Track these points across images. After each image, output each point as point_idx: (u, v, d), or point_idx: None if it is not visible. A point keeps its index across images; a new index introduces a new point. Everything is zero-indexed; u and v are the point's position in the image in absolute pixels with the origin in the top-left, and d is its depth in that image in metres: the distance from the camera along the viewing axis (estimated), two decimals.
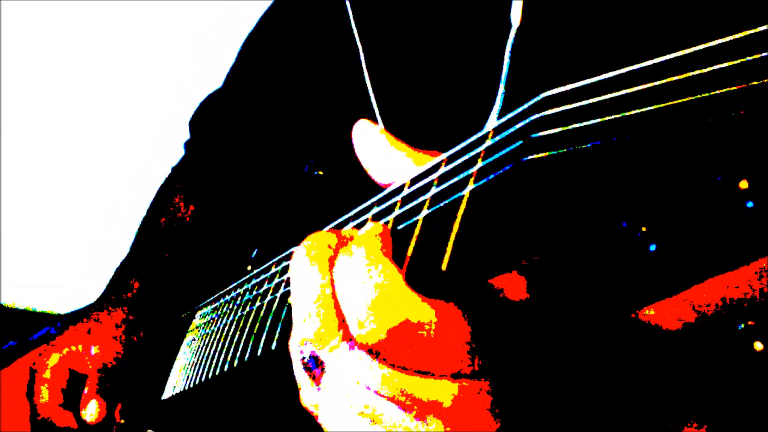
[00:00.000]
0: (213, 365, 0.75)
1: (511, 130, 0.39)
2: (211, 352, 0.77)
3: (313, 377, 0.43)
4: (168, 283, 1.05)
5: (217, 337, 0.77)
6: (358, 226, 0.51)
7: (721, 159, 0.28)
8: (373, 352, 0.39)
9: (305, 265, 0.43)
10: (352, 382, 0.40)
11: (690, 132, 0.29)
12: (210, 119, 1.14)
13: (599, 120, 0.32)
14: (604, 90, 0.33)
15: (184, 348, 0.91)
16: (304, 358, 0.43)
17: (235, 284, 0.78)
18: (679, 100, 0.30)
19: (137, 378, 0.95)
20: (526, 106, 0.38)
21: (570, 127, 0.33)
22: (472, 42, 0.69)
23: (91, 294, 1.10)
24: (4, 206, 1.81)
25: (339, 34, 0.83)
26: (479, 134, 0.42)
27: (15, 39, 1.80)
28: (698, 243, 0.29)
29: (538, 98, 0.37)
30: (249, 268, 0.79)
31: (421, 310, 0.38)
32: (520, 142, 0.36)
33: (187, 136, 1.20)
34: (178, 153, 1.23)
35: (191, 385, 0.83)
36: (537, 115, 0.36)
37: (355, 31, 0.78)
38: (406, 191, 0.47)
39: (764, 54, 0.28)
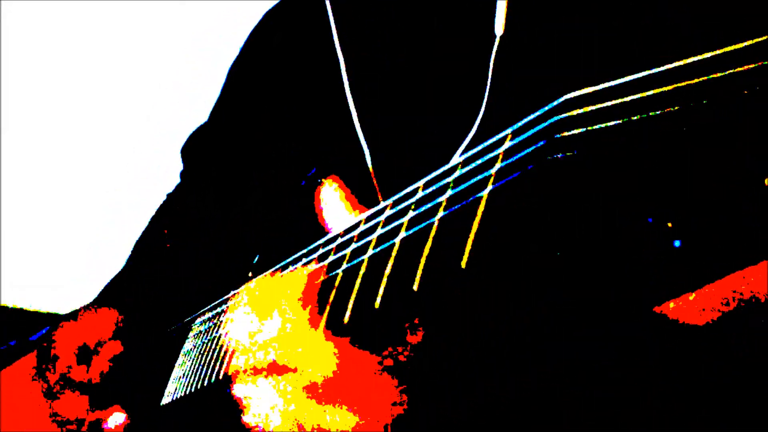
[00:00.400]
0: (205, 375, 0.76)
1: (516, 138, 0.39)
2: (204, 362, 0.78)
3: (243, 402, 0.52)
4: (167, 288, 1.05)
5: (209, 347, 0.78)
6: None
7: (745, 155, 0.28)
8: (281, 381, 0.48)
9: (240, 309, 0.53)
10: (267, 406, 0.49)
11: (713, 130, 0.29)
12: (203, 142, 1.14)
13: (622, 121, 0.33)
14: (622, 93, 0.33)
15: (182, 355, 0.91)
16: (234, 385, 0.52)
17: (229, 295, 0.78)
18: (703, 102, 0.30)
19: (137, 382, 0.95)
20: (546, 108, 0.38)
21: (593, 127, 0.34)
22: (457, 56, 0.69)
23: (91, 294, 1.10)
24: (4, 206, 1.81)
25: (325, 46, 0.83)
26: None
27: (15, 39, 1.80)
28: (722, 239, 0.29)
29: (558, 100, 0.37)
30: (250, 274, 0.80)
31: (326, 348, 0.46)
32: (543, 141, 0.37)
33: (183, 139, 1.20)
34: (178, 153, 1.23)
35: (188, 392, 0.83)
36: (557, 117, 0.37)
37: (337, 46, 0.79)
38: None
39: None
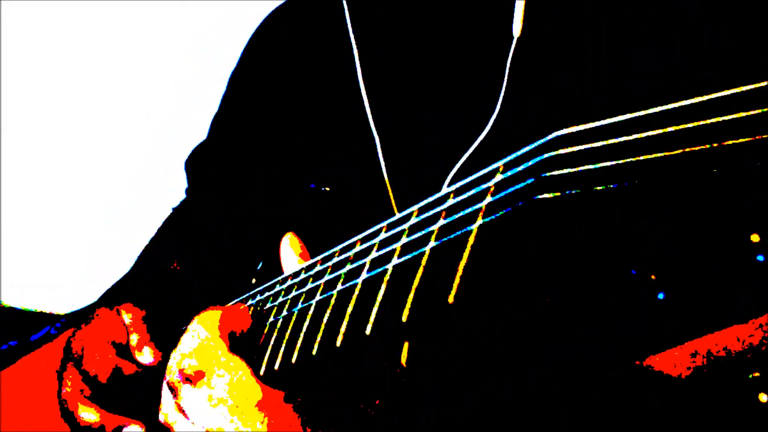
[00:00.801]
0: None
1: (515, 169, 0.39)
2: None
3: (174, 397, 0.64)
4: (171, 289, 1.04)
5: None
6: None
7: (732, 210, 0.28)
8: (197, 388, 0.60)
9: (188, 331, 0.65)
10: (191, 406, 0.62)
11: (701, 181, 0.29)
12: (207, 155, 1.13)
13: (612, 163, 0.32)
14: (617, 132, 0.33)
15: None
16: (168, 384, 0.65)
17: (236, 300, 0.79)
18: (691, 149, 0.29)
19: (141, 385, 0.95)
20: (536, 144, 0.38)
21: (582, 168, 0.34)
22: (471, 53, 0.69)
23: (90, 294, 1.10)
24: (4, 206, 1.81)
25: (337, 42, 0.83)
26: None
27: (15, 39, 1.80)
28: (708, 294, 0.29)
29: (548, 137, 0.37)
30: (253, 281, 0.80)
31: (230, 365, 0.59)
32: (531, 179, 0.37)
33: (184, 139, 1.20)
34: (178, 153, 1.23)
35: None
36: (547, 154, 0.36)
37: (353, 42, 0.79)
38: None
39: None
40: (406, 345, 0.43)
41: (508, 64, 0.65)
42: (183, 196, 1.17)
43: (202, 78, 1.67)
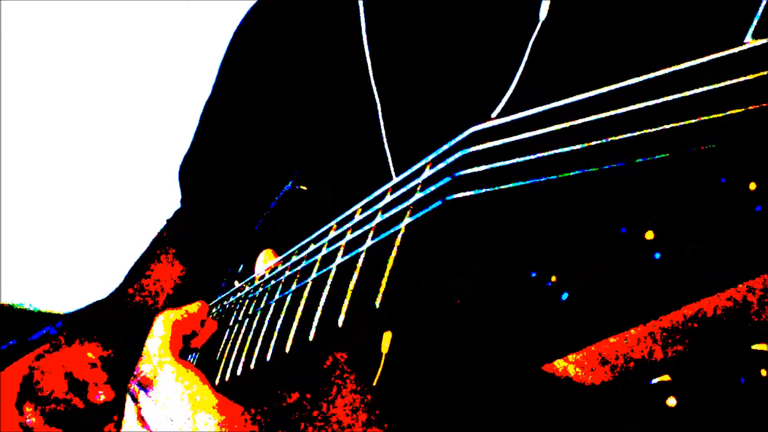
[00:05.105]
0: None
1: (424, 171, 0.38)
2: None
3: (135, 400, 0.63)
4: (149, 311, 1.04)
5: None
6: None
7: (626, 209, 0.27)
8: (149, 395, 0.59)
9: (150, 335, 0.64)
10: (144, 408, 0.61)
11: (599, 180, 0.28)
12: (198, 162, 1.12)
13: (520, 159, 0.31)
14: (533, 126, 0.32)
15: None
16: (129, 392, 0.64)
17: (215, 301, 0.79)
18: (584, 145, 0.29)
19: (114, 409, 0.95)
20: (453, 141, 0.37)
21: (492, 165, 0.33)
22: (488, 48, 0.67)
23: (91, 294, 1.10)
24: (5, 205, 1.81)
25: (343, 36, 0.81)
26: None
27: (15, 39, 1.80)
28: (609, 294, 0.28)
29: (465, 134, 0.36)
30: (236, 283, 0.80)
31: (178, 373, 0.58)
32: (447, 178, 0.36)
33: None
34: (177, 153, 1.23)
35: None
36: (463, 152, 0.35)
37: (364, 35, 0.77)
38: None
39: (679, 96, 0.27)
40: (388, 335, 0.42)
41: (529, 47, 0.62)
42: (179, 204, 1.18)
43: (201, 78, 1.68)
